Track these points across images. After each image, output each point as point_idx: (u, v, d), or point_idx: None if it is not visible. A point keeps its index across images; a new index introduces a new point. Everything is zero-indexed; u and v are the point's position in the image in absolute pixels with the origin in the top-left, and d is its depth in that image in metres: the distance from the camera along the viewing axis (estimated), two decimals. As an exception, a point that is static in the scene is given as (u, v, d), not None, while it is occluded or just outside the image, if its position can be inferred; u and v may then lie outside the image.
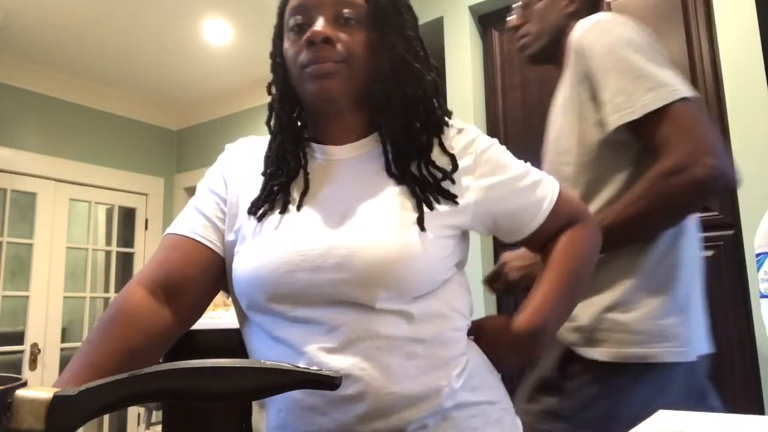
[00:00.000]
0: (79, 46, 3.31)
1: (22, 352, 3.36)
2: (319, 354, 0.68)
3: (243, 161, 0.84)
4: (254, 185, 0.80)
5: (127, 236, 4.08)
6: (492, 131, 2.35)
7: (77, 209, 3.82)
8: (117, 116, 4.00)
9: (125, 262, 4.05)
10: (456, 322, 0.76)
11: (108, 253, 3.97)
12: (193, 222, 0.79)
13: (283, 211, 0.75)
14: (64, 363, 3.52)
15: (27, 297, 3.40)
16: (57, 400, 0.36)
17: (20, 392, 0.36)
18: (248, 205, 0.78)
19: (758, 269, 0.63)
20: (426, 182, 0.74)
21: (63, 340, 3.54)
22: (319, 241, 0.70)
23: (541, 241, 0.84)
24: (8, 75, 3.43)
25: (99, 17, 3.02)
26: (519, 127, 2.25)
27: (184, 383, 0.38)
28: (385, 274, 0.68)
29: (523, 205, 0.80)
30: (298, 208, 0.75)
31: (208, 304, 0.79)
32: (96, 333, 0.69)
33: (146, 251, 4.10)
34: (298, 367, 0.40)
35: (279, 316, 0.71)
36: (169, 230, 0.80)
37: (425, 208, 0.73)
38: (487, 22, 2.45)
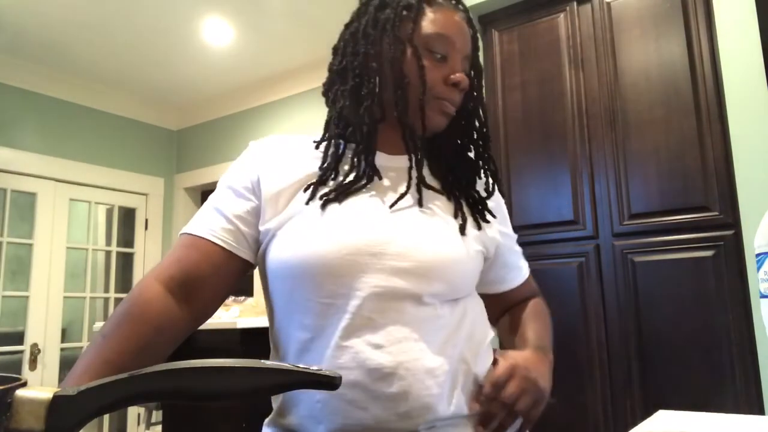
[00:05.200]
0: (79, 46, 3.31)
1: (22, 352, 3.36)
2: (365, 348, 0.69)
3: (278, 157, 0.83)
4: (295, 178, 0.80)
5: (127, 236, 4.08)
6: (492, 131, 2.34)
7: (77, 209, 3.82)
8: (117, 116, 4.00)
9: (125, 262, 4.05)
10: (479, 334, 0.80)
11: (108, 253, 3.97)
12: (213, 223, 0.78)
13: (342, 202, 0.77)
14: (64, 363, 3.52)
15: (27, 297, 3.40)
16: (57, 400, 0.36)
17: (20, 392, 0.36)
18: (296, 195, 0.78)
19: (758, 269, 0.63)
20: (475, 201, 0.84)
21: (63, 340, 3.54)
22: (383, 231, 0.74)
23: (511, 301, 0.96)
24: (8, 75, 3.43)
25: (99, 17, 3.02)
26: (519, 127, 2.26)
27: (184, 383, 0.38)
28: (442, 268, 0.74)
29: (512, 262, 0.93)
30: (357, 201, 0.78)
31: (219, 305, 0.80)
32: (111, 327, 0.68)
33: (146, 251, 4.10)
34: (299, 366, 0.40)
35: (327, 304, 0.72)
36: (186, 229, 0.79)
37: (469, 222, 0.82)
38: (487, 22, 2.45)
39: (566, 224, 2.06)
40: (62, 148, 3.67)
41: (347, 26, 0.85)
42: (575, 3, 2.19)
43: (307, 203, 0.77)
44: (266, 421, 0.80)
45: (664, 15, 1.98)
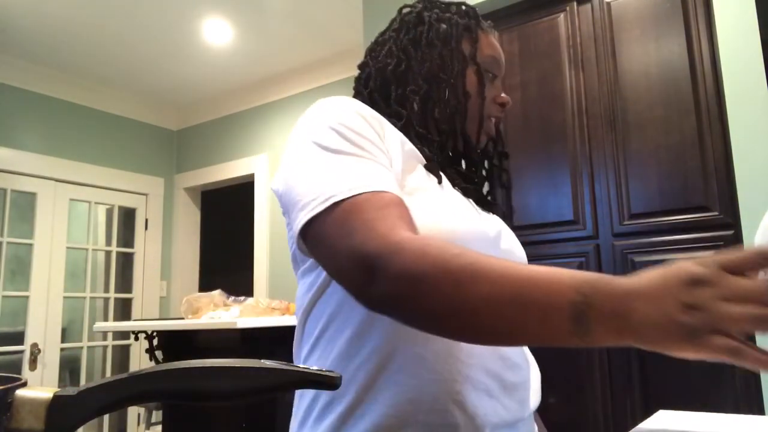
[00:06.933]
0: (79, 46, 3.31)
1: (22, 352, 3.36)
2: None
3: (384, 121, 0.76)
4: (403, 150, 0.74)
5: (127, 236, 4.08)
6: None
7: (77, 209, 3.82)
8: (117, 116, 4.01)
9: (125, 262, 4.05)
10: None
11: (108, 253, 3.97)
12: (387, 177, 0.68)
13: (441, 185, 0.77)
14: (64, 363, 3.52)
15: (27, 297, 3.40)
16: (57, 400, 0.36)
17: (20, 392, 0.36)
18: (415, 167, 0.74)
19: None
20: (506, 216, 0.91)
21: (63, 340, 3.54)
22: (492, 226, 0.79)
23: None
24: (8, 75, 3.43)
25: (99, 17, 3.02)
26: (519, 127, 2.26)
27: (184, 383, 0.38)
28: None
29: None
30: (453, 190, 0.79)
31: None
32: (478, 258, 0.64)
33: (146, 251, 4.10)
34: (299, 366, 0.40)
35: None
36: (372, 187, 0.64)
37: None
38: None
39: (566, 224, 2.06)
40: (62, 148, 3.67)
41: (396, 31, 0.85)
42: (575, 3, 2.19)
43: (427, 176, 0.74)
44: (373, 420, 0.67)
45: (664, 15, 1.98)
